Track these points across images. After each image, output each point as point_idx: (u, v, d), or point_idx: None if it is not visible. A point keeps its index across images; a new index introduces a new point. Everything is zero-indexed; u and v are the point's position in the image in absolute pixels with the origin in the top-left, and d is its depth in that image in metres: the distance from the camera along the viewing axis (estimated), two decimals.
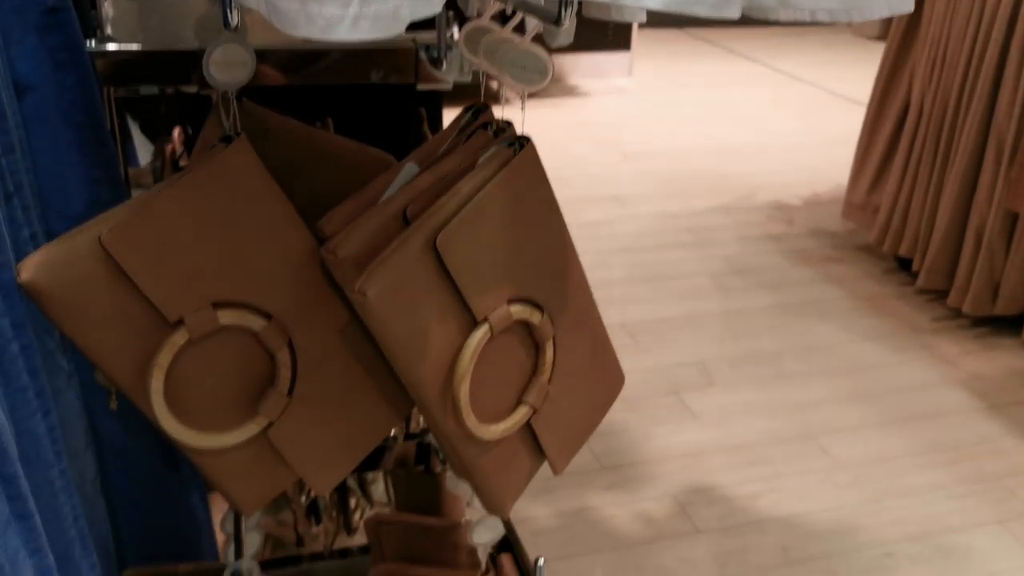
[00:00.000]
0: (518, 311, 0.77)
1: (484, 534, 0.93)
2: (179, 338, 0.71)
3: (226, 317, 0.73)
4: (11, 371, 0.69)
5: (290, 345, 0.76)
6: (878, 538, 1.66)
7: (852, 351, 2.29)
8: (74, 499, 0.78)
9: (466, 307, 0.74)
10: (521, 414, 0.80)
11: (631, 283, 2.65)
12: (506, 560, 0.97)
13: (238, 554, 0.89)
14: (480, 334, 0.75)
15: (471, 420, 0.76)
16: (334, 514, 1.45)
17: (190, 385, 0.74)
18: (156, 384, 0.71)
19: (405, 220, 0.75)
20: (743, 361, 2.24)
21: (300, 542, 1.46)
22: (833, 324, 2.42)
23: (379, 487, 1.49)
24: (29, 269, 0.66)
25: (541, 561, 0.95)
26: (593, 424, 0.89)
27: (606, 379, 0.90)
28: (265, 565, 1.47)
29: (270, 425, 0.77)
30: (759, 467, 1.86)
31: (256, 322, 0.74)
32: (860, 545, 1.64)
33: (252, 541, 0.91)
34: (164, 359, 0.71)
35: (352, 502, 1.46)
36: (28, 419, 0.71)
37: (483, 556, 0.94)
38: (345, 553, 1.46)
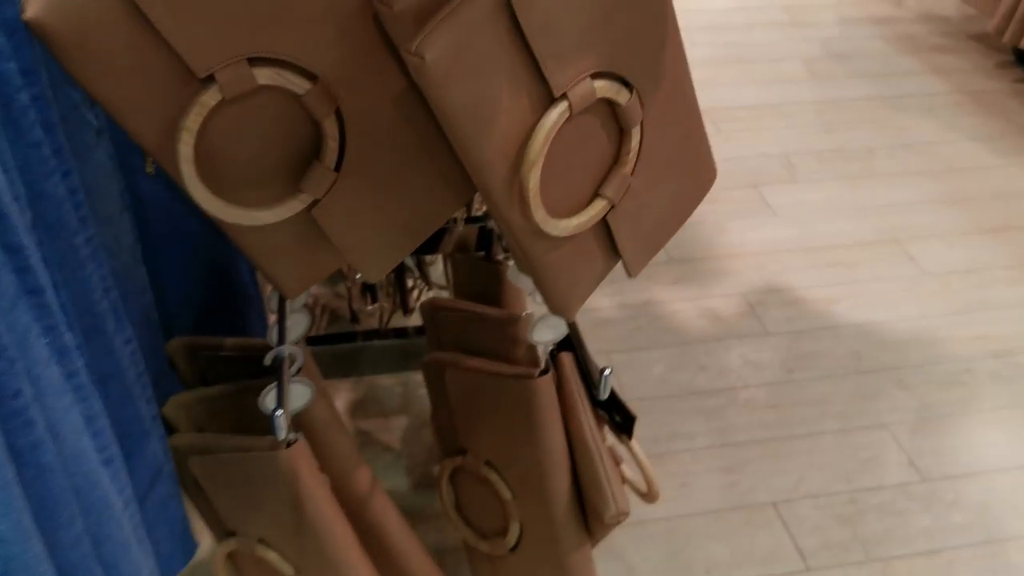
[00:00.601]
0: (603, 87, 0.66)
1: (546, 332, 0.86)
2: (210, 98, 0.62)
3: (264, 76, 0.63)
4: (21, 124, 0.60)
5: (338, 113, 0.67)
6: (958, 353, 1.58)
7: (952, 151, 2.12)
8: (104, 269, 0.71)
9: (542, 79, 0.63)
10: (597, 208, 0.71)
11: (716, 65, 2.45)
12: (566, 359, 0.90)
13: (281, 339, 0.83)
14: (557, 113, 0.64)
15: (540, 213, 0.66)
16: (391, 292, 1.40)
17: (225, 154, 0.65)
18: (185, 149, 0.63)
19: None
20: (831, 156, 2.09)
21: (355, 318, 1.42)
22: (934, 121, 2.23)
23: (437, 268, 1.43)
24: (35, 4, 0.57)
25: (608, 371, 0.88)
26: (677, 224, 0.79)
27: (695, 173, 0.79)
28: (319, 340, 1.44)
29: (315, 203, 0.69)
30: (839, 270, 1.75)
31: (299, 84, 0.64)
32: (938, 358, 1.56)
33: (297, 324, 0.86)
34: (193, 122, 0.62)
35: (410, 282, 1.40)
36: (44, 180, 0.63)
37: (543, 355, 0.87)
38: (401, 333, 1.43)
